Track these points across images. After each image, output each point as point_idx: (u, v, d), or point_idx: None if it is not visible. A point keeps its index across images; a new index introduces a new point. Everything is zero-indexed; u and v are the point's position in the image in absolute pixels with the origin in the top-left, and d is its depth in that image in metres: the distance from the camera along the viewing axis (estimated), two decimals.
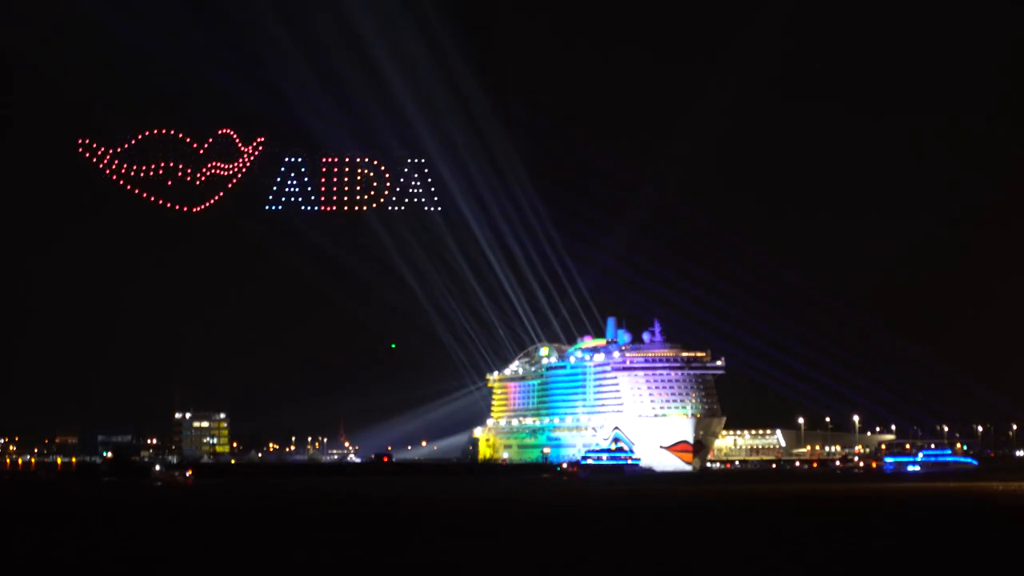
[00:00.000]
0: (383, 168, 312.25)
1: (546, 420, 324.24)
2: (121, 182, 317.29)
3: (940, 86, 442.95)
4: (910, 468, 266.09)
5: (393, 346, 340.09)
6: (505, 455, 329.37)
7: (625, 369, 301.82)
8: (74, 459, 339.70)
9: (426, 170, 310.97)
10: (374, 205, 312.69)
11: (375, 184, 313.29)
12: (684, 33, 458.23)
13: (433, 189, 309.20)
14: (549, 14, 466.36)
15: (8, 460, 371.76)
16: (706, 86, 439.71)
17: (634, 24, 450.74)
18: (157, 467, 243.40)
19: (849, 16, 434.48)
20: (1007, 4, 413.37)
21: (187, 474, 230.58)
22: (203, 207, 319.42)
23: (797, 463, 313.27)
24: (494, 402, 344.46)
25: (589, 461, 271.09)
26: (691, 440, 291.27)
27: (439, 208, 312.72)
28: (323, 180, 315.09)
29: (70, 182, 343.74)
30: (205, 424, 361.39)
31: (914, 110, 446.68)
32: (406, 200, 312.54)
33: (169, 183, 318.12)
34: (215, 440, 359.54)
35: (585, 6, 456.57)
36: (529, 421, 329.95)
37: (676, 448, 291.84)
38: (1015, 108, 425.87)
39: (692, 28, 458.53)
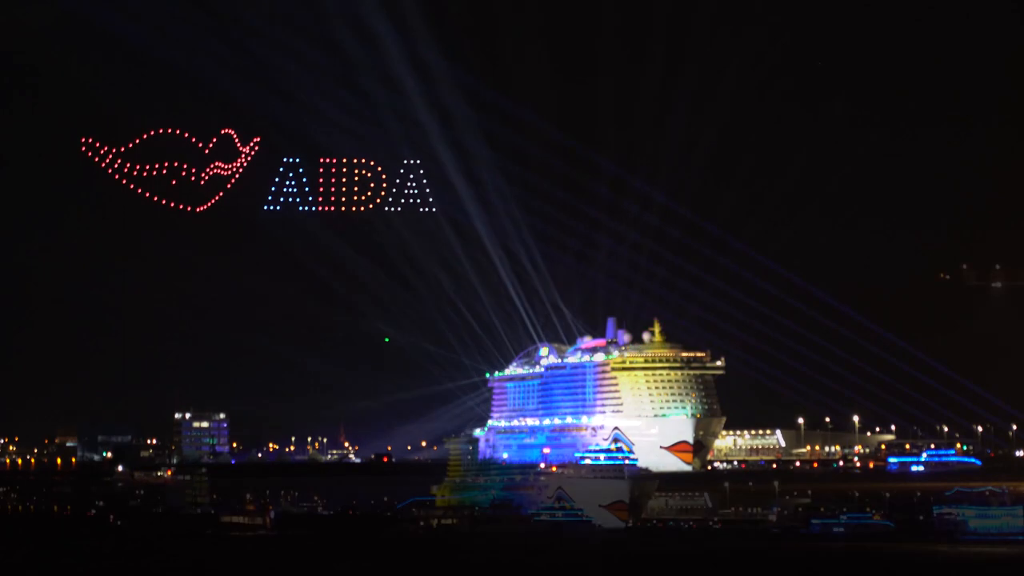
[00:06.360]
0: (380, 168, 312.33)
1: (546, 420, 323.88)
2: (124, 181, 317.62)
3: (943, 91, 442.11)
4: (914, 468, 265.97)
5: (387, 340, 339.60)
6: (505, 456, 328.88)
7: (625, 369, 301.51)
8: (73, 459, 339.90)
9: (422, 171, 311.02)
10: (371, 206, 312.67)
11: (372, 184, 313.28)
12: (682, 32, 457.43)
13: (429, 190, 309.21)
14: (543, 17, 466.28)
15: (8, 460, 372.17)
16: (705, 85, 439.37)
17: (634, 24, 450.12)
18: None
19: (852, 16, 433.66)
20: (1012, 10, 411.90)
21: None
22: (206, 206, 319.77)
23: (797, 463, 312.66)
24: (494, 402, 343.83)
25: (587, 461, 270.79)
26: (691, 440, 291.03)
27: (434, 209, 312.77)
28: (321, 180, 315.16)
29: (71, 179, 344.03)
30: (205, 424, 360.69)
31: (915, 112, 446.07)
32: (403, 200, 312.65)
33: (173, 183, 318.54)
34: (215, 440, 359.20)
35: (586, 10, 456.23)
36: (529, 421, 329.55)
37: (676, 448, 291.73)
38: (1016, 110, 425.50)
39: (689, 25, 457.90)
